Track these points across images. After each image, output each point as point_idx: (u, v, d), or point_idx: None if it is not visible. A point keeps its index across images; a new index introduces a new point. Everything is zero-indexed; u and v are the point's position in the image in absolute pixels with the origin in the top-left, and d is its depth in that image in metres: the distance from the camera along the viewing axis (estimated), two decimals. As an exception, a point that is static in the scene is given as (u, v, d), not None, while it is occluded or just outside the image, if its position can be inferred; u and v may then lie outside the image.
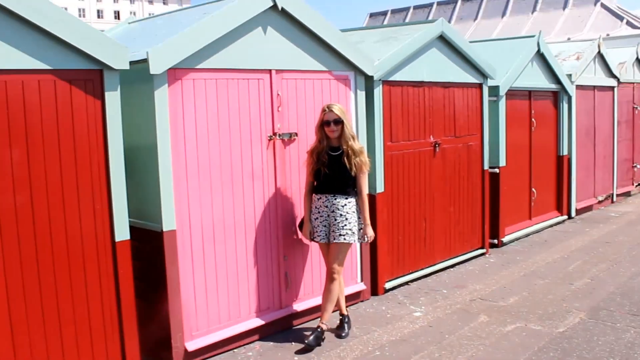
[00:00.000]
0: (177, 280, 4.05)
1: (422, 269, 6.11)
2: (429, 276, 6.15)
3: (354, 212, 4.47)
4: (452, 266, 6.48)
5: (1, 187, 3.19)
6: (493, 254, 7.05)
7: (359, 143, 4.57)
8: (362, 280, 5.44)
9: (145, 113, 3.91)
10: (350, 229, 4.43)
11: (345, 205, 4.43)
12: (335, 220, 4.43)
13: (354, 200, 4.48)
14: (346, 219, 4.42)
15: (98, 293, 3.60)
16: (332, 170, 4.42)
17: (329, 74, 4.98)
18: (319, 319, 4.54)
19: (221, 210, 4.31)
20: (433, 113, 6.08)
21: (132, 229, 3.76)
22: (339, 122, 4.38)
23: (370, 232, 4.53)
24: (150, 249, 4.03)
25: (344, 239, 4.42)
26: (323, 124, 4.42)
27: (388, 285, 5.67)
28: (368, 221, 4.50)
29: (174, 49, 3.87)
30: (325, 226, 4.50)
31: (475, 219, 6.80)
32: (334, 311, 4.62)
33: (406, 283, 5.90)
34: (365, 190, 4.49)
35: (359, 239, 4.53)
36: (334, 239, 4.45)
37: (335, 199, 4.43)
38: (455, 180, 6.46)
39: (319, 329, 4.47)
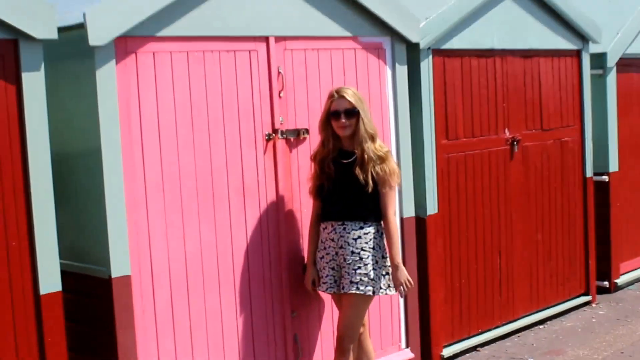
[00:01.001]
0: (134, 350, 3.99)
1: (497, 327, 6.08)
2: (508, 337, 6.13)
3: (372, 247, 4.35)
4: (542, 322, 6.44)
5: None
6: (602, 302, 7.01)
7: (383, 145, 4.46)
8: (408, 346, 5.39)
9: (84, 103, 3.88)
10: (366, 274, 4.29)
11: (360, 238, 4.32)
12: (345, 260, 4.33)
13: (374, 229, 4.37)
14: (360, 258, 4.31)
15: (15, 372, 3.54)
16: (338, 186, 4.34)
17: (353, 42, 4.96)
18: None
19: (198, 244, 4.26)
20: (509, 95, 6.06)
21: (66, 275, 3.73)
22: (352, 113, 4.28)
23: (403, 276, 4.34)
24: (93, 304, 4.00)
25: (357, 288, 4.29)
26: (330, 117, 4.33)
27: (446, 352, 5.64)
28: (398, 260, 4.34)
29: (125, 9, 3.84)
30: (333, 268, 4.41)
31: (574, 251, 6.75)
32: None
33: (473, 348, 5.87)
34: (392, 214, 4.38)
35: (383, 288, 4.38)
36: (343, 288, 4.35)
37: (345, 230, 4.34)
38: (544, 194, 6.42)
39: None
